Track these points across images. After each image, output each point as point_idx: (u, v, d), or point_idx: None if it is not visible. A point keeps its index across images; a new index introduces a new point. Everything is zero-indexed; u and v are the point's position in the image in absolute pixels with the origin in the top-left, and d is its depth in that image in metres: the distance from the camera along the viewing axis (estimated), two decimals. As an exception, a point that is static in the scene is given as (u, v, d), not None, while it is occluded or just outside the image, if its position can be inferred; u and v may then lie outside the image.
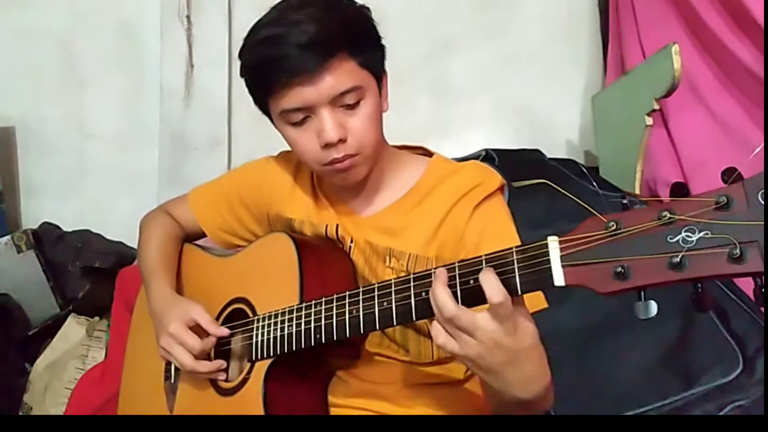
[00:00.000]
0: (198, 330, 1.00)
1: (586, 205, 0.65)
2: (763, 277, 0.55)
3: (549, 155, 1.95)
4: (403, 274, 0.96)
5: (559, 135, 2.24)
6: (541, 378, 0.79)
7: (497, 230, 0.95)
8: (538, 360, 0.77)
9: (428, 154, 1.08)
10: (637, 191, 1.74)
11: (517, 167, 1.69)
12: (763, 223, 0.54)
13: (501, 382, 0.76)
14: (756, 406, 1.20)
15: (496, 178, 1.00)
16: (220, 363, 1.00)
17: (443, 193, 0.99)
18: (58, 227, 2.15)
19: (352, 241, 1.03)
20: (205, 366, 0.99)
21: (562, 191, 0.73)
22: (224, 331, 1.00)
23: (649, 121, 1.68)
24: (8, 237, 2.00)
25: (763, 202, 0.54)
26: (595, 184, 1.65)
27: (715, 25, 1.60)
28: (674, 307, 1.34)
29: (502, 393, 0.78)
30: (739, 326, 1.32)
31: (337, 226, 1.03)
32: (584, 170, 1.76)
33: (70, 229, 2.14)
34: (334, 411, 1.02)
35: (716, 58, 1.66)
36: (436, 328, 0.74)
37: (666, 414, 1.25)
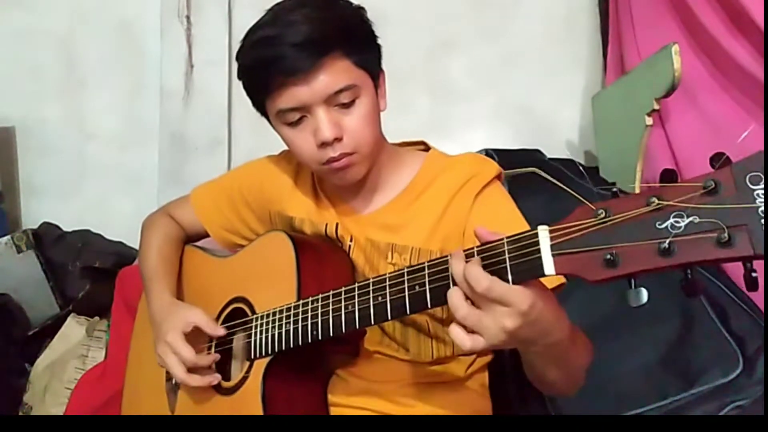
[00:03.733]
0: (197, 333, 1.01)
1: (575, 194, 0.65)
2: (762, 261, 0.55)
3: (549, 155, 1.95)
4: None
5: (559, 135, 2.24)
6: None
7: (502, 216, 0.96)
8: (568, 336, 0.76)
9: (428, 148, 1.09)
10: (637, 191, 1.73)
11: (517, 167, 1.69)
12: (750, 205, 0.54)
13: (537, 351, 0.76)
14: (756, 406, 1.20)
15: (492, 167, 1.01)
16: (211, 379, 1.00)
17: (441, 185, 0.99)
18: (58, 227, 2.15)
19: (351, 240, 1.03)
20: (195, 380, 0.99)
21: (553, 180, 0.73)
22: (221, 331, 1.00)
23: (649, 121, 1.67)
24: (8, 237, 2.00)
25: (751, 186, 0.54)
26: (594, 184, 1.65)
27: (712, 26, 1.60)
28: (674, 307, 1.34)
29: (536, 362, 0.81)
30: (739, 326, 1.32)
31: (337, 225, 1.04)
32: (583, 170, 1.76)
33: (70, 229, 2.14)
34: (333, 410, 1.02)
35: (712, 58, 1.66)
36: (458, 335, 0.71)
37: (666, 414, 1.25)
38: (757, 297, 1.36)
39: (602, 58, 2.20)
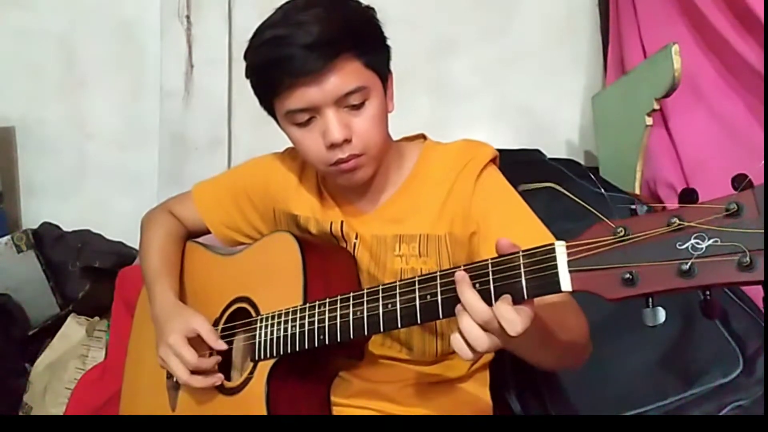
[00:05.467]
0: (199, 340, 1.01)
1: (594, 210, 0.64)
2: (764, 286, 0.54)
3: (549, 155, 1.95)
4: (413, 259, 0.97)
5: (559, 135, 2.24)
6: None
7: (502, 198, 0.98)
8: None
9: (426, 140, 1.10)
10: (637, 191, 1.74)
11: (517, 167, 1.68)
12: None
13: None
14: (756, 406, 1.20)
15: (487, 150, 1.02)
16: (214, 380, 1.00)
17: (441, 172, 1.00)
18: (58, 227, 2.15)
19: (357, 238, 1.03)
20: (198, 381, 0.99)
21: (569, 195, 0.72)
22: (222, 345, 1.00)
23: (649, 121, 1.68)
24: (8, 237, 2.00)
25: None
26: (597, 184, 1.65)
27: (720, 24, 1.60)
28: (674, 308, 1.34)
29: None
30: (739, 326, 1.32)
31: (342, 223, 1.04)
32: (585, 171, 1.76)
33: (70, 229, 2.14)
34: (336, 410, 1.03)
35: (720, 57, 1.66)
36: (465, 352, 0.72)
37: (666, 414, 1.25)
38: (758, 297, 1.36)
39: (602, 59, 2.20)
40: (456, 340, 0.71)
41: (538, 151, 1.97)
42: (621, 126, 1.85)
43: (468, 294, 0.70)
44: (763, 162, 0.58)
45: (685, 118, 1.73)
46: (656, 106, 1.64)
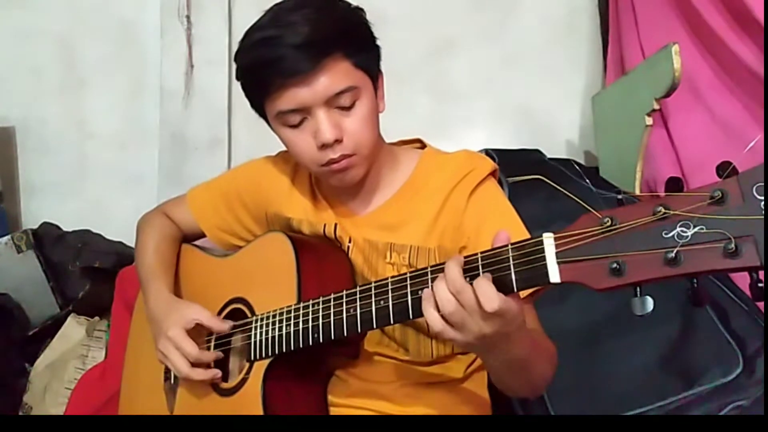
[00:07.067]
0: (199, 329, 1.01)
1: (581, 201, 0.64)
2: (762, 272, 0.55)
3: (549, 155, 1.95)
4: (404, 268, 0.97)
5: (559, 135, 2.24)
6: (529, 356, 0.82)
7: (495, 212, 0.97)
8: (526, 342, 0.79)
9: (424, 146, 1.09)
10: (637, 191, 1.73)
11: (517, 167, 1.69)
12: (757, 217, 0.54)
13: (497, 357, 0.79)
14: (756, 406, 1.20)
15: (486, 163, 1.01)
16: (215, 372, 1.00)
17: (437, 183, 1.00)
18: (58, 227, 2.15)
19: (350, 241, 1.03)
20: (199, 374, 0.99)
21: (557, 187, 0.73)
22: (225, 326, 1.00)
23: (649, 121, 1.67)
24: (8, 237, 2.00)
25: (758, 197, 0.54)
26: (592, 184, 1.64)
27: (717, 25, 1.60)
28: (674, 307, 1.34)
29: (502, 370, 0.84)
30: (739, 326, 1.32)
31: (336, 225, 1.04)
32: (582, 171, 1.76)
33: (70, 229, 2.14)
34: (333, 410, 1.02)
35: (717, 58, 1.66)
36: (433, 317, 0.73)
37: (666, 414, 1.25)
38: (745, 285, 1.36)
39: (602, 59, 2.21)
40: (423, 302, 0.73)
41: (538, 151, 1.97)
42: (621, 126, 1.85)
43: (450, 264, 0.72)
44: (745, 150, 0.59)
45: (683, 118, 1.73)
46: (656, 106, 1.64)
